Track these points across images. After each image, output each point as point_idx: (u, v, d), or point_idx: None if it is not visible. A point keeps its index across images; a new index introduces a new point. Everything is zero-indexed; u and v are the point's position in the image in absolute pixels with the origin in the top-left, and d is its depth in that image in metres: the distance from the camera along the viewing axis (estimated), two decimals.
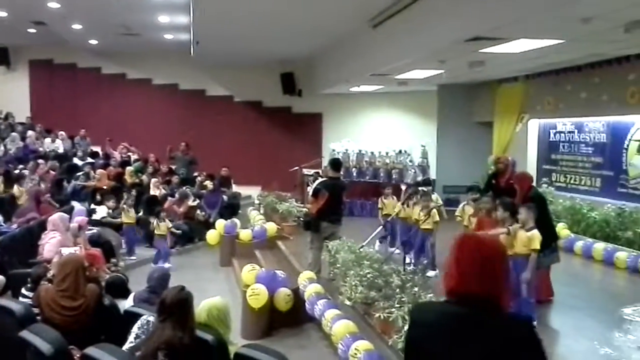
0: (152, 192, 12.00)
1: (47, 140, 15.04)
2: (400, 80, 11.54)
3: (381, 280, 5.65)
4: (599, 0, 5.05)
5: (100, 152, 15.32)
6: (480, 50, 7.59)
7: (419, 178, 12.32)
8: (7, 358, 4.10)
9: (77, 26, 13.08)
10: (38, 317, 4.20)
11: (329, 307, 5.93)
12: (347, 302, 5.91)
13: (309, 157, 13.75)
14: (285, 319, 6.68)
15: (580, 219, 9.82)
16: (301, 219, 9.26)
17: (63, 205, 10.07)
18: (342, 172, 8.72)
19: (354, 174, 13.19)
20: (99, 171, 12.55)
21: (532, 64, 9.78)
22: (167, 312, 3.39)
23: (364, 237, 7.21)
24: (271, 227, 10.09)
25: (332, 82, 13.39)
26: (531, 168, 11.89)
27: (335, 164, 7.97)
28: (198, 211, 11.85)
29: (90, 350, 3.49)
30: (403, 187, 10.44)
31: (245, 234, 9.98)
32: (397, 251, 7.34)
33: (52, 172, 12.10)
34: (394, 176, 12.96)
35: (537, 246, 5.59)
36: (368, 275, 5.76)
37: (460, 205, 8.09)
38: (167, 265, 9.31)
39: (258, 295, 6.42)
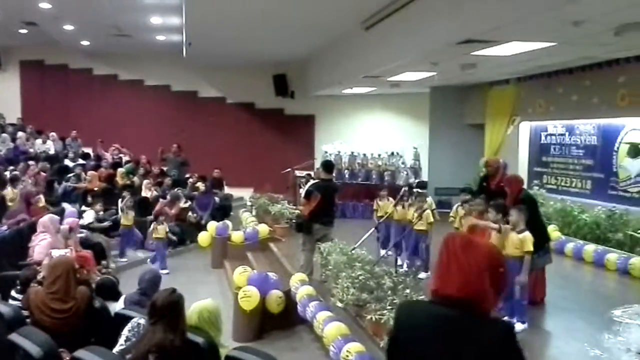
0: (144, 194, 11.95)
1: (38, 141, 14.95)
2: (393, 82, 11.56)
3: (373, 282, 5.66)
4: (589, 3, 5.07)
5: (92, 154, 15.26)
6: (472, 53, 7.62)
7: (411, 180, 12.37)
8: None
9: (68, 27, 13.01)
10: (27, 320, 4.17)
11: (320, 309, 5.93)
12: (339, 304, 5.91)
13: (302, 159, 13.75)
14: (277, 321, 6.66)
15: (571, 221, 9.88)
16: (293, 220, 9.26)
17: (54, 207, 10.01)
18: (334, 174, 8.73)
19: (347, 176, 13.21)
20: (90, 173, 12.48)
21: (524, 67, 9.83)
22: (158, 315, 3.37)
23: (356, 239, 7.22)
24: (263, 229, 10.08)
25: (324, 83, 13.40)
26: (522, 170, 11.96)
27: (328, 165, 7.98)
28: (190, 213, 11.81)
29: (80, 353, 3.47)
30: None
31: (237, 236, 9.96)
32: (390, 253, 7.34)
33: (42, 173, 12.02)
34: (386, 178, 13.01)
35: (531, 248, 5.62)
36: (360, 277, 5.76)
37: (454, 207, 8.12)
38: (164, 271, 9.26)
39: (250, 298, 6.40)
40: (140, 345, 3.34)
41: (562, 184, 11.41)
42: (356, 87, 13.55)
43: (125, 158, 14.91)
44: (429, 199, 8.88)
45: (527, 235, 5.65)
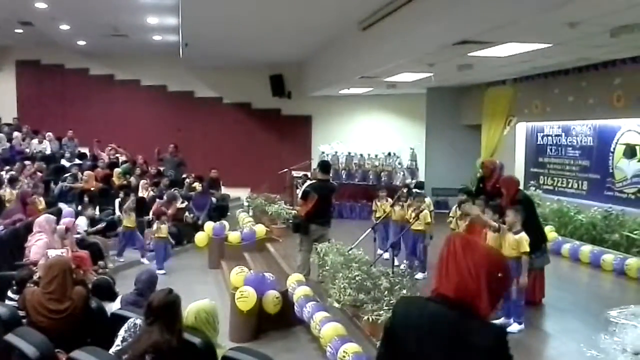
0: (140, 194, 11.93)
1: (35, 141, 14.89)
2: (390, 83, 11.57)
3: (370, 283, 5.66)
4: (585, 5, 5.09)
5: (88, 154, 15.22)
6: (469, 54, 7.63)
7: (408, 180, 12.37)
8: None
9: (64, 27, 12.98)
10: (24, 320, 4.16)
11: (317, 309, 5.93)
12: (336, 305, 5.91)
13: (298, 160, 13.75)
14: (273, 321, 6.66)
15: (567, 222, 9.91)
16: (290, 221, 9.26)
17: (50, 207, 9.98)
18: (331, 175, 8.73)
19: (343, 177, 13.20)
20: (87, 173, 12.45)
21: (520, 68, 9.85)
22: (155, 315, 3.37)
23: (353, 239, 7.22)
24: (260, 230, 10.08)
25: (321, 84, 13.40)
26: (519, 171, 11.98)
27: (324, 166, 7.98)
28: (187, 213, 11.81)
29: (77, 354, 3.46)
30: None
31: (234, 236, 9.95)
32: (386, 256, 7.35)
33: (39, 173, 11.99)
34: (383, 178, 13.00)
35: (527, 249, 5.62)
36: (357, 278, 5.76)
37: (454, 207, 8.12)
38: (161, 271, 9.29)
39: (246, 298, 6.40)
40: (136, 346, 3.33)
41: (559, 184, 11.44)
42: (353, 88, 13.55)
43: (121, 158, 14.86)
44: (428, 200, 8.89)
45: (523, 236, 5.66)
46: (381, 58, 8.99)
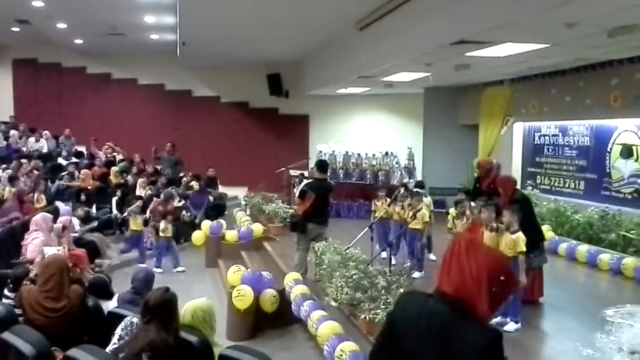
0: (138, 193, 11.90)
1: (31, 139, 14.86)
2: (387, 82, 11.58)
3: (367, 282, 5.67)
4: (583, 6, 5.10)
5: (85, 152, 15.20)
6: (466, 54, 7.64)
7: (405, 180, 12.38)
8: None
9: (61, 25, 12.94)
10: (20, 319, 4.15)
11: (314, 308, 5.93)
12: (333, 303, 5.92)
13: (296, 159, 13.76)
14: (271, 320, 6.66)
15: (564, 222, 9.93)
16: (287, 220, 9.26)
17: (47, 205, 9.96)
18: (328, 174, 8.74)
19: (341, 176, 13.21)
20: (84, 171, 12.44)
21: (518, 68, 9.87)
22: (151, 314, 3.36)
23: (350, 238, 7.23)
24: (257, 228, 10.08)
25: (319, 83, 13.40)
26: (516, 171, 12.01)
27: (322, 165, 7.98)
28: (184, 212, 11.79)
29: (73, 352, 3.46)
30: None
31: (231, 235, 9.95)
32: (384, 254, 7.35)
33: (35, 171, 11.96)
34: (380, 178, 13.02)
35: (523, 249, 5.63)
36: (354, 277, 5.77)
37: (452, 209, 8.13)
38: (159, 270, 9.31)
39: (244, 297, 6.40)
40: (133, 344, 3.33)
41: (556, 184, 11.46)
42: (350, 87, 13.56)
43: (118, 157, 14.85)
44: (428, 199, 8.92)
45: (520, 235, 5.67)
46: (379, 58, 9.00)
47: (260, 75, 15.83)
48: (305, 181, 8.86)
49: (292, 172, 12.95)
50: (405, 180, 12.33)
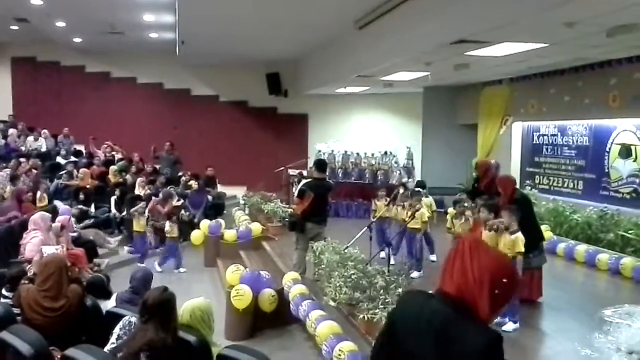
0: (137, 192, 11.90)
1: (30, 138, 14.84)
2: (386, 81, 11.58)
3: (365, 281, 5.67)
4: (582, 5, 5.10)
5: (84, 151, 15.18)
6: (465, 53, 7.63)
7: (404, 179, 12.39)
8: None
9: (60, 24, 12.93)
10: (18, 318, 4.14)
11: (313, 308, 5.93)
12: (332, 303, 5.91)
13: (295, 158, 13.75)
14: (269, 320, 6.66)
15: (562, 221, 9.94)
16: (286, 219, 9.25)
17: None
18: (327, 173, 8.73)
19: (340, 175, 13.21)
20: (82, 170, 12.42)
21: (517, 68, 9.87)
22: (150, 313, 3.36)
23: (349, 237, 7.23)
24: (256, 228, 10.07)
25: (318, 82, 13.39)
26: (515, 170, 12.02)
27: (320, 164, 7.97)
28: (182, 211, 11.77)
29: (71, 352, 3.45)
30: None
31: (230, 235, 9.94)
32: (383, 254, 7.35)
33: (34, 170, 11.95)
34: (379, 177, 13.02)
35: (522, 249, 5.63)
36: (352, 276, 5.77)
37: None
38: (159, 269, 9.34)
39: (242, 296, 6.39)
40: (131, 344, 3.32)
41: (554, 184, 11.47)
42: (349, 87, 13.55)
43: (117, 156, 14.84)
44: (429, 199, 8.92)
45: (519, 236, 5.66)
46: (378, 57, 9.00)
47: (259, 75, 15.82)
48: (304, 180, 8.85)
49: (291, 172, 12.94)
50: (404, 179, 12.34)
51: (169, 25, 12.21)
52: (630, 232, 8.68)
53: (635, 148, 9.47)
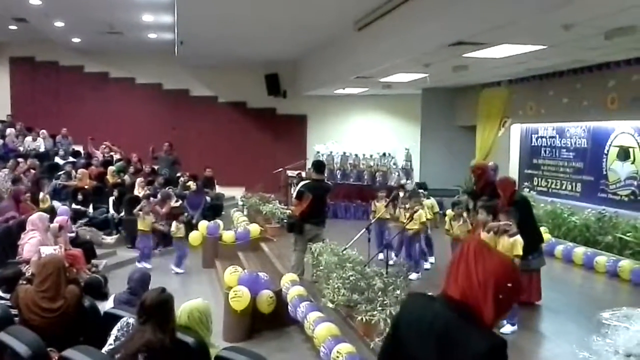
0: (137, 192, 11.88)
1: (28, 138, 14.81)
2: (385, 83, 11.58)
3: (364, 283, 5.66)
4: (580, 7, 5.11)
5: (82, 152, 15.15)
6: (464, 55, 7.64)
7: (403, 181, 12.40)
8: None
9: (59, 23, 12.92)
10: (16, 319, 4.13)
11: (311, 309, 5.93)
12: (330, 305, 5.91)
13: (293, 159, 13.75)
14: (267, 321, 6.65)
15: (561, 224, 9.94)
16: (285, 220, 9.25)
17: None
18: (326, 174, 8.73)
19: (338, 176, 13.21)
20: (81, 171, 12.40)
21: (515, 69, 9.88)
22: (148, 314, 3.35)
23: (347, 239, 7.23)
24: (254, 229, 10.06)
25: (317, 84, 13.40)
26: (513, 172, 12.03)
27: (319, 166, 7.97)
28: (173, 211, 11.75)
29: (69, 353, 3.44)
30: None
31: (228, 236, 9.93)
32: (381, 256, 7.35)
33: (32, 170, 11.93)
34: (378, 179, 13.02)
35: (520, 252, 5.61)
36: (351, 278, 5.77)
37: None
38: (181, 270, 9.48)
39: (240, 298, 6.39)
40: (129, 345, 3.32)
41: (553, 186, 11.48)
42: (348, 88, 13.56)
43: (116, 156, 14.82)
44: (431, 201, 8.92)
45: (518, 239, 5.65)
46: (377, 58, 9.00)
47: (258, 75, 15.83)
48: (302, 182, 8.85)
49: (290, 173, 12.93)
50: (403, 181, 12.34)
51: (168, 26, 12.20)
52: (628, 234, 8.68)
53: (634, 150, 9.48)
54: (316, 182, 7.73)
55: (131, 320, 3.60)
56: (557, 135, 11.42)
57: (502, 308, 1.84)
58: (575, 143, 10.92)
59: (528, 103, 11.36)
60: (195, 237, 10.34)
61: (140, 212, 9.89)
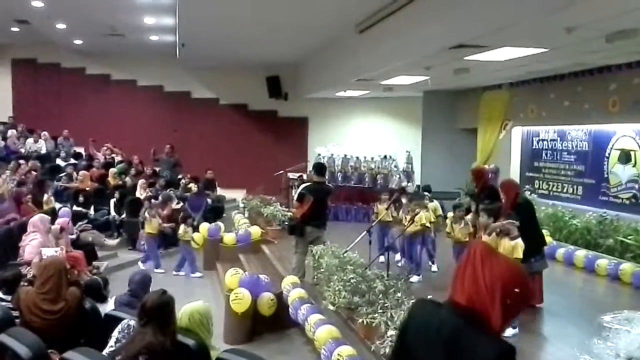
0: (139, 194, 11.89)
1: (30, 140, 14.84)
2: (386, 85, 11.59)
3: (364, 286, 5.66)
4: (581, 11, 5.11)
5: (84, 153, 15.18)
6: (465, 58, 7.65)
7: (404, 183, 12.39)
8: None
9: (61, 26, 12.95)
10: (17, 320, 4.14)
11: (312, 312, 5.92)
12: (331, 307, 5.91)
13: (294, 161, 13.76)
14: (268, 323, 6.65)
15: (562, 227, 9.93)
16: (286, 223, 9.25)
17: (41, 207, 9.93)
18: (327, 177, 8.72)
19: (339, 179, 13.21)
20: (82, 172, 12.41)
21: (516, 72, 9.88)
22: (148, 316, 3.35)
23: (348, 241, 7.22)
24: (255, 231, 10.05)
25: (318, 86, 13.40)
26: (514, 175, 12.02)
27: (319, 168, 7.96)
28: (182, 214, 11.75)
29: (70, 355, 3.44)
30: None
31: (229, 238, 9.93)
32: (382, 259, 7.35)
33: (33, 172, 11.94)
34: (379, 181, 13.02)
35: (520, 255, 5.60)
36: (352, 280, 5.76)
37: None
38: (198, 274, 9.54)
39: (241, 300, 6.39)
40: (130, 347, 3.32)
41: (554, 189, 11.46)
42: (350, 90, 13.57)
43: (117, 158, 14.84)
44: (435, 203, 8.92)
45: (519, 242, 5.63)
46: (378, 61, 9.01)
47: (259, 78, 15.85)
48: (303, 184, 8.85)
49: (291, 175, 12.94)
50: (404, 184, 12.34)
51: (170, 28, 12.23)
52: (629, 237, 8.67)
53: (635, 153, 9.47)
54: (317, 184, 7.73)
55: (132, 323, 3.61)
56: (559, 138, 11.41)
57: (509, 313, 1.81)
58: (576, 146, 10.91)
59: (529, 106, 11.36)
60: (196, 239, 10.33)
61: (147, 215, 9.88)
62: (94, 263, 8.56)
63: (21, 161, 12.53)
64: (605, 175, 10.07)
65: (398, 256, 8.59)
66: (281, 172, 13.28)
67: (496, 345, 1.76)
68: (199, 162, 14.99)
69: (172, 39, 12.96)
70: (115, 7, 10.97)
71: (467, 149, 13.36)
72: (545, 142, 11.83)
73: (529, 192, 11.13)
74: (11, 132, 14.77)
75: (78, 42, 14.96)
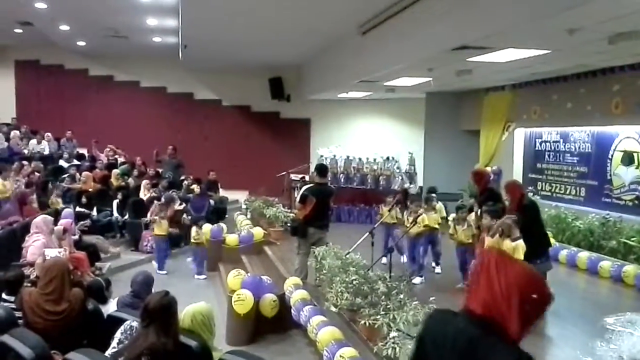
0: (142, 195, 11.91)
1: (33, 141, 14.87)
2: (389, 87, 11.59)
3: (367, 287, 5.66)
4: (584, 12, 5.10)
5: (87, 154, 15.21)
6: (468, 59, 7.65)
7: (406, 185, 12.39)
8: None
9: (64, 27, 12.98)
10: (20, 321, 4.14)
11: (314, 313, 5.92)
12: (333, 309, 5.90)
13: (297, 163, 13.76)
14: (270, 325, 6.65)
15: (565, 228, 9.91)
16: (288, 224, 9.25)
17: (47, 208, 9.95)
18: (329, 178, 8.72)
19: (342, 180, 13.21)
20: (85, 173, 12.41)
21: (519, 74, 9.88)
22: (151, 317, 3.36)
23: (350, 243, 7.22)
24: (258, 232, 10.06)
25: (320, 87, 13.41)
26: (517, 176, 11.98)
27: (321, 169, 7.97)
28: (184, 215, 11.77)
29: (73, 356, 3.45)
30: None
31: (231, 239, 9.93)
32: (384, 260, 7.34)
33: (36, 173, 11.95)
34: (381, 183, 13.02)
35: (521, 257, 5.59)
36: (354, 282, 5.76)
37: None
38: (202, 276, 9.50)
39: (243, 301, 6.39)
40: (132, 348, 3.32)
41: (557, 190, 11.45)
42: (352, 92, 13.57)
43: (120, 159, 14.86)
44: (440, 205, 8.91)
45: (520, 243, 5.64)
46: (380, 62, 9.01)
47: (262, 79, 15.86)
48: (306, 186, 8.86)
49: (293, 176, 12.94)
50: (406, 185, 12.34)
51: (172, 30, 12.24)
52: (632, 239, 8.65)
53: (638, 155, 9.45)
54: (320, 185, 7.73)
55: (134, 324, 3.61)
56: (561, 140, 11.39)
57: (528, 320, 1.75)
58: (579, 148, 10.89)
59: (532, 107, 11.35)
60: None
61: (157, 217, 9.89)
62: (97, 264, 8.56)
63: (24, 162, 12.55)
64: (608, 177, 10.05)
65: (405, 257, 8.58)
66: (284, 173, 13.29)
67: (514, 354, 1.72)
68: (201, 164, 14.99)
69: (175, 41, 12.98)
70: (118, 8, 10.99)
71: (469, 150, 13.35)
72: (548, 144, 11.81)
73: (531, 194, 11.12)
74: (14, 133, 14.79)
75: (81, 43, 14.99)
